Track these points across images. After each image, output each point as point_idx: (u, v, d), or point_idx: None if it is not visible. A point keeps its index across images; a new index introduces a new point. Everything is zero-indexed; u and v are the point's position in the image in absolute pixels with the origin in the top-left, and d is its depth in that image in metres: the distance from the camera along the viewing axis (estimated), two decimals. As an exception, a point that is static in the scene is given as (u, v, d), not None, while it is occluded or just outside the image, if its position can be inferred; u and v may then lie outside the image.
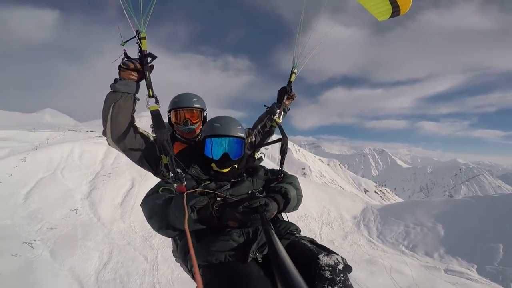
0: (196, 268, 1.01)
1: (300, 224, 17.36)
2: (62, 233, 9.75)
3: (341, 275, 1.56)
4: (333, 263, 1.60)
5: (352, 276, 1.62)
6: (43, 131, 20.02)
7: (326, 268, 1.56)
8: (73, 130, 22.34)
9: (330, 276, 1.52)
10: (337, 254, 1.69)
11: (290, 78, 3.22)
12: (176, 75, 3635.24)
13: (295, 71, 3.19)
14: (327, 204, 20.98)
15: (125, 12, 2.13)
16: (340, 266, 1.59)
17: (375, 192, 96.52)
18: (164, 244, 10.38)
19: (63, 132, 20.41)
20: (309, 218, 18.75)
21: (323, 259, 1.62)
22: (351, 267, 1.65)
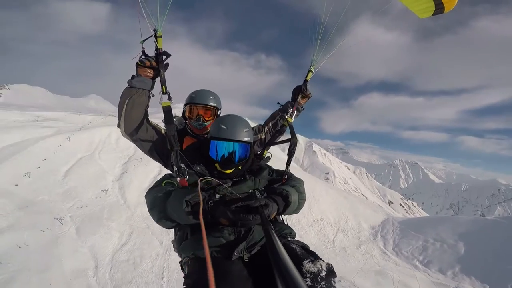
0: (208, 257, 1.12)
1: (315, 228, 17.43)
2: (90, 212, 10.49)
3: (323, 282, 1.55)
4: (316, 270, 1.59)
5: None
6: (87, 114, 21.66)
7: (308, 275, 1.55)
8: (113, 116, 23.89)
9: (310, 284, 1.52)
10: (323, 261, 1.69)
11: (306, 76, 3.13)
12: (210, 70, 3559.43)
13: (312, 69, 3.12)
14: (346, 211, 20.84)
15: (143, 11, 2.22)
16: (323, 274, 1.58)
17: (400, 204, 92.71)
18: (181, 230, 11.03)
19: (104, 116, 21.90)
20: (325, 223, 18.77)
21: (307, 265, 1.62)
22: (335, 274, 1.64)
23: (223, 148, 2.15)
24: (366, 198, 51.05)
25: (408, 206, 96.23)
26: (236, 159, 2.16)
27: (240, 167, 2.23)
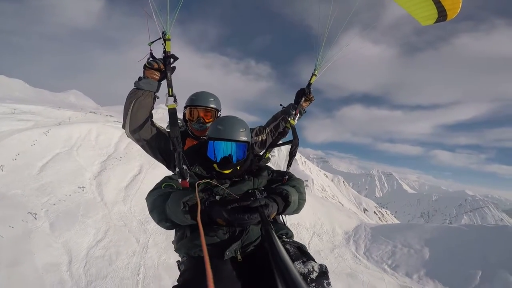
0: (206, 259, 1.14)
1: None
2: (65, 208, 10.23)
3: (313, 284, 1.52)
4: (306, 271, 1.58)
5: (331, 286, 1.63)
6: (67, 110, 21.06)
7: None
8: (94, 113, 23.35)
9: None
10: (315, 262, 1.68)
11: (310, 80, 3.14)
12: (199, 73, 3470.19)
13: (316, 73, 3.13)
14: (322, 216, 21.52)
15: (153, 14, 2.26)
16: (314, 275, 1.56)
17: (374, 212, 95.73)
18: (157, 230, 10.97)
19: (85, 112, 21.37)
20: (302, 227, 19.29)
21: (297, 266, 1.60)
22: (327, 276, 1.61)
23: (220, 148, 2.17)
24: (343, 205, 52.41)
25: (382, 214, 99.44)
26: (234, 159, 2.17)
27: (238, 168, 2.23)
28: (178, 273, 1.94)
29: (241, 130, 2.20)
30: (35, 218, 9.08)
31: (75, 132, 15.68)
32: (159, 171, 15.14)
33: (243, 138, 2.19)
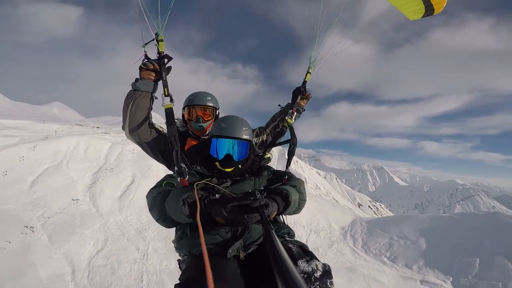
0: (206, 257, 1.11)
1: (286, 232, 18.47)
2: (61, 220, 10.19)
3: (317, 283, 1.52)
4: (310, 270, 1.57)
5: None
6: (52, 123, 20.75)
7: (302, 275, 1.53)
8: (80, 125, 23.04)
9: None
10: (319, 261, 1.67)
11: (305, 78, 3.13)
12: (185, 78, 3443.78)
13: (311, 70, 3.11)
14: (318, 213, 21.70)
15: (145, 16, 2.26)
16: (317, 274, 1.56)
17: (369, 206, 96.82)
18: (156, 237, 10.99)
19: (70, 125, 21.10)
20: (298, 226, 19.43)
21: (301, 265, 1.61)
22: (331, 275, 1.61)
23: (222, 146, 2.17)
24: (337, 201, 52.90)
25: (376, 208, 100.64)
26: (236, 156, 2.17)
27: (240, 166, 2.23)
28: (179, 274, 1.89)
29: (244, 128, 2.21)
30: (33, 231, 9.06)
31: (63, 145, 15.51)
32: (152, 179, 15.07)
33: (245, 137, 2.19)
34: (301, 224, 19.74)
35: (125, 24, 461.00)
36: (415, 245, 18.66)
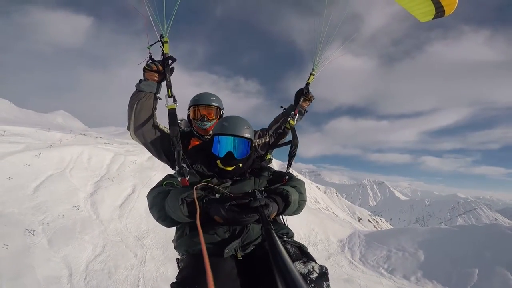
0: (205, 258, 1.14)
1: (286, 242, 18.62)
2: (62, 225, 10.35)
3: (313, 285, 1.51)
4: (306, 271, 1.57)
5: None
6: (56, 131, 21.17)
7: None
8: (84, 134, 23.42)
9: None
10: (315, 263, 1.68)
11: (308, 79, 3.15)
12: (188, 91, 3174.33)
13: (314, 72, 3.13)
14: (316, 227, 21.79)
15: (150, 17, 2.28)
16: (313, 276, 1.56)
17: (369, 221, 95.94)
18: (154, 244, 11.13)
19: (74, 135, 21.48)
20: (296, 238, 19.24)
21: (297, 266, 1.60)
22: (327, 277, 1.61)
23: (224, 143, 2.20)
24: (337, 215, 52.60)
25: (376, 221, 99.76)
26: (237, 154, 2.19)
27: (240, 165, 2.25)
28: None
29: (245, 127, 2.26)
30: (33, 235, 9.21)
31: (67, 154, 15.84)
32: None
33: (246, 135, 2.23)
34: (299, 237, 19.78)
35: (133, 34, 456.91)
36: (414, 257, 18.64)
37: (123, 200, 14.16)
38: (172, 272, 9.97)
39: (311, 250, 18.48)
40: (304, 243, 19.22)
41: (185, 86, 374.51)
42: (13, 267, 7.72)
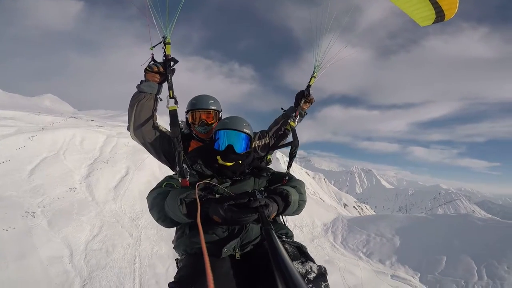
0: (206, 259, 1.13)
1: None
2: (60, 207, 10.83)
3: (310, 285, 1.51)
4: (304, 271, 1.56)
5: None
6: (47, 115, 21.11)
7: None
8: (74, 117, 23.35)
9: None
10: (314, 263, 1.66)
11: (309, 81, 3.12)
12: (182, 76, 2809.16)
13: (315, 75, 3.11)
14: (302, 210, 22.82)
15: (153, 20, 2.27)
16: (311, 276, 1.55)
17: (354, 207, 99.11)
18: (148, 225, 11.77)
19: (65, 118, 21.46)
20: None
21: (295, 266, 1.57)
22: (325, 277, 1.60)
23: (224, 137, 2.25)
24: (323, 201, 54.24)
25: (361, 208, 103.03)
26: (237, 148, 2.21)
27: (240, 162, 2.25)
28: (170, 262, 2.15)
29: (245, 124, 2.32)
30: (34, 217, 9.70)
31: (60, 137, 16.08)
32: (146, 172, 15.89)
33: (246, 130, 2.28)
34: (285, 220, 20.77)
35: (125, 20, 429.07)
36: (390, 243, 20.04)
37: (117, 182, 14.67)
38: (166, 251, 10.70)
39: (296, 232, 19.60)
40: (291, 225, 20.32)
41: (179, 71, 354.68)
42: (17, 248, 8.23)
